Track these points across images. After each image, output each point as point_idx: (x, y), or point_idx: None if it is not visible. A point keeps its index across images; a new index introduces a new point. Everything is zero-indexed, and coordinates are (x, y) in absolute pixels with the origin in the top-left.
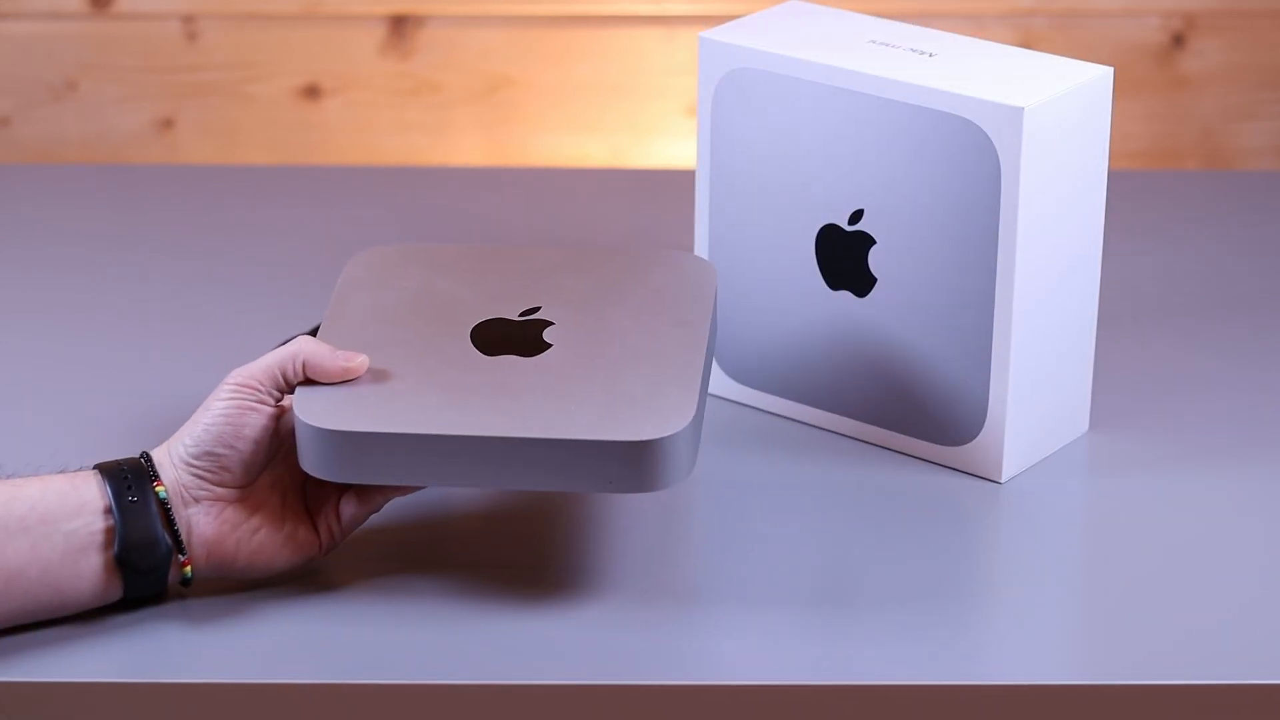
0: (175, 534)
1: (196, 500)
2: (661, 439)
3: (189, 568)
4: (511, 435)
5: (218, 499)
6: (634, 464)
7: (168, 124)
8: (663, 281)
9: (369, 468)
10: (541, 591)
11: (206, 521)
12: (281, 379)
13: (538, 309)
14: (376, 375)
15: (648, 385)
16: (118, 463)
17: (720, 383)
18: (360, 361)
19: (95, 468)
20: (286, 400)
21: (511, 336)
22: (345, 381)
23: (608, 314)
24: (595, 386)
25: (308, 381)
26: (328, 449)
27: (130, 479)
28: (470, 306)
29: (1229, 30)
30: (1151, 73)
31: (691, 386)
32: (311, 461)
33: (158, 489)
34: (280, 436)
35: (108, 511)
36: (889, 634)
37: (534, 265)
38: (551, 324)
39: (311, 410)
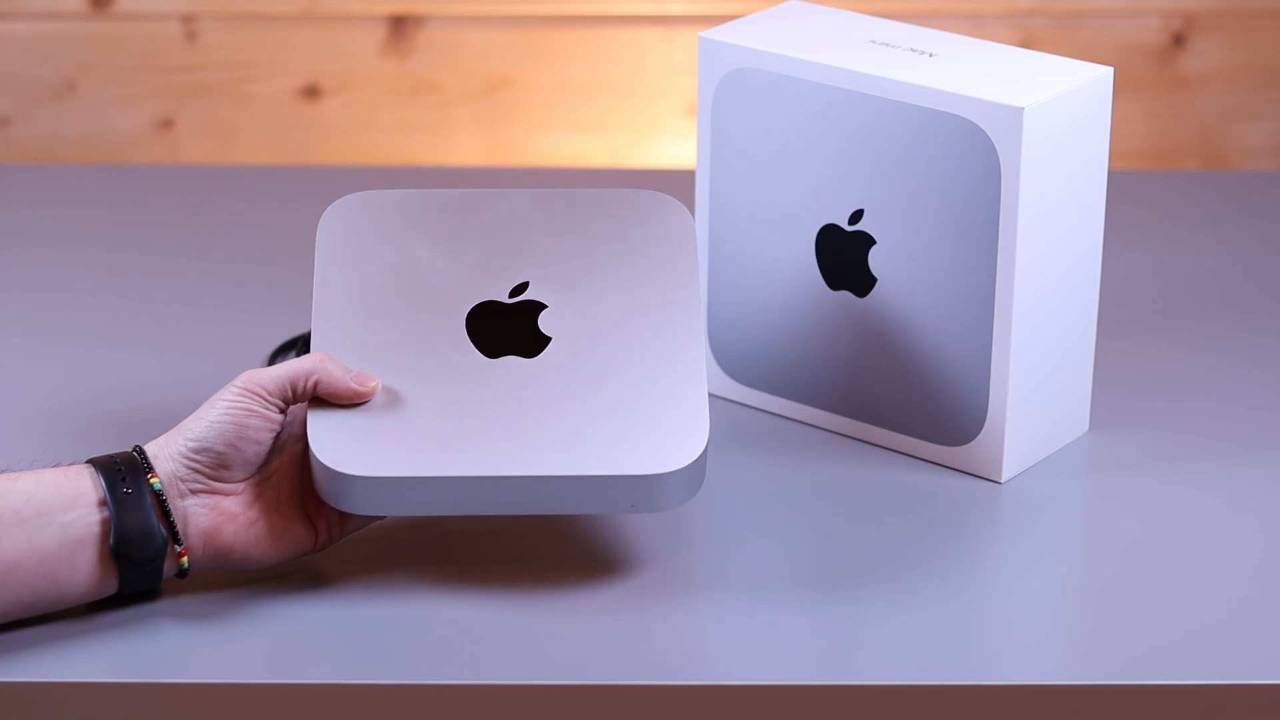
0: (171, 525)
1: (193, 493)
2: (682, 469)
3: (185, 558)
4: (531, 474)
5: (214, 492)
6: (656, 491)
7: (168, 124)
8: (643, 239)
9: (390, 504)
10: (541, 593)
11: (202, 513)
12: (290, 392)
13: (526, 285)
14: (385, 399)
15: (659, 401)
16: (110, 456)
17: (720, 383)
18: (373, 385)
19: (88, 462)
20: (292, 407)
21: (508, 328)
22: (358, 404)
23: (597, 291)
24: (606, 405)
25: (317, 399)
26: (347, 489)
27: (124, 471)
28: (457, 284)
29: (1229, 30)
30: (1151, 73)
31: (700, 400)
32: (330, 496)
33: (152, 480)
34: (280, 441)
35: (102, 504)
36: (888, 634)
37: (505, 219)
38: (544, 306)
39: (328, 448)
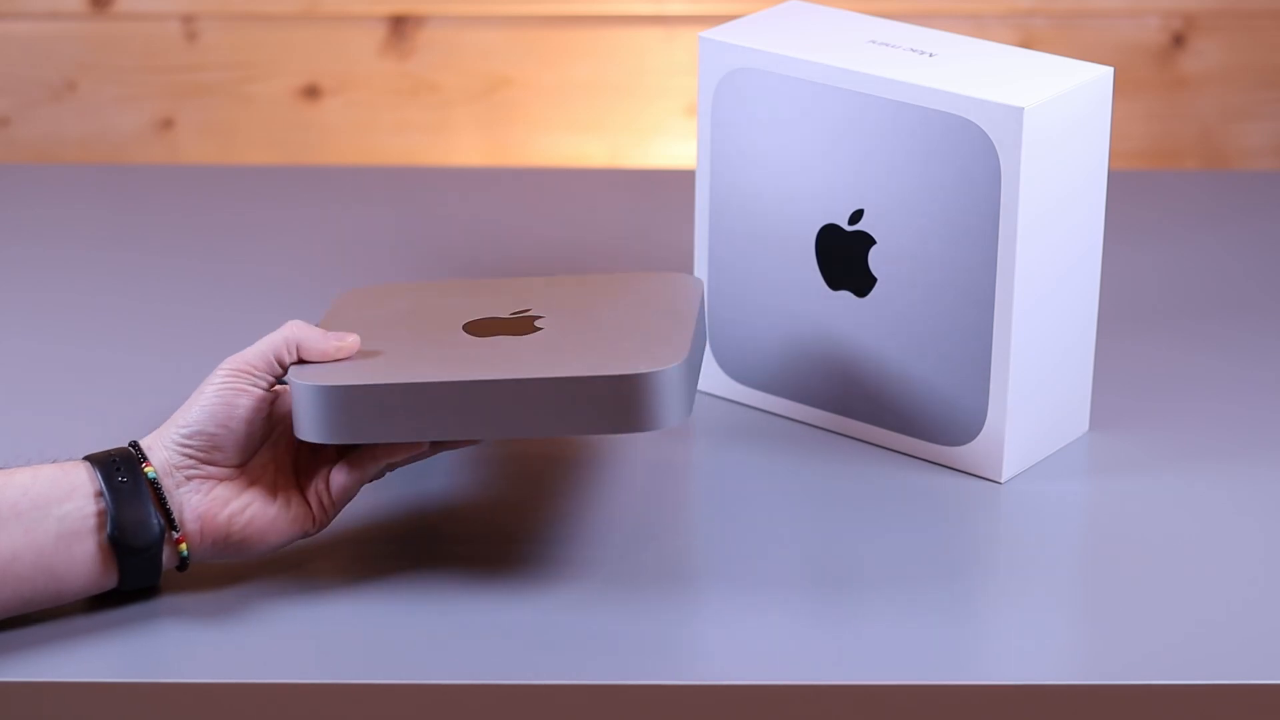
0: (167, 512)
1: (188, 480)
2: (657, 373)
3: (184, 545)
4: (504, 378)
5: (209, 477)
6: (630, 400)
7: (168, 124)
8: (650, 291)
9: (363, 425)
10: (541, 592)
11: (198, 500)
12: (275, 363)
13: (528, 310)
14: (370, 352)
15: (641, 332)
16: (106, 452)
17: (720, 383)
18: (351, 341)
19: (85, 458)
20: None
21: (503, 327)
22: (338, 360)
23: (597, 312)
24: (587, 338)
25: (301, 363)
26: (322, 408)
27: (119, 463)
28: (463, 311)
29: (1229, 30)
30: (1151, 73)
31: (684, 331)
32: (306, 426)
33: (147, 469)
34: (273, 420)
35: (99, 495)
36: (888, 634)
37: (523, 292)
38: (542, 317)
39: (305, 373)
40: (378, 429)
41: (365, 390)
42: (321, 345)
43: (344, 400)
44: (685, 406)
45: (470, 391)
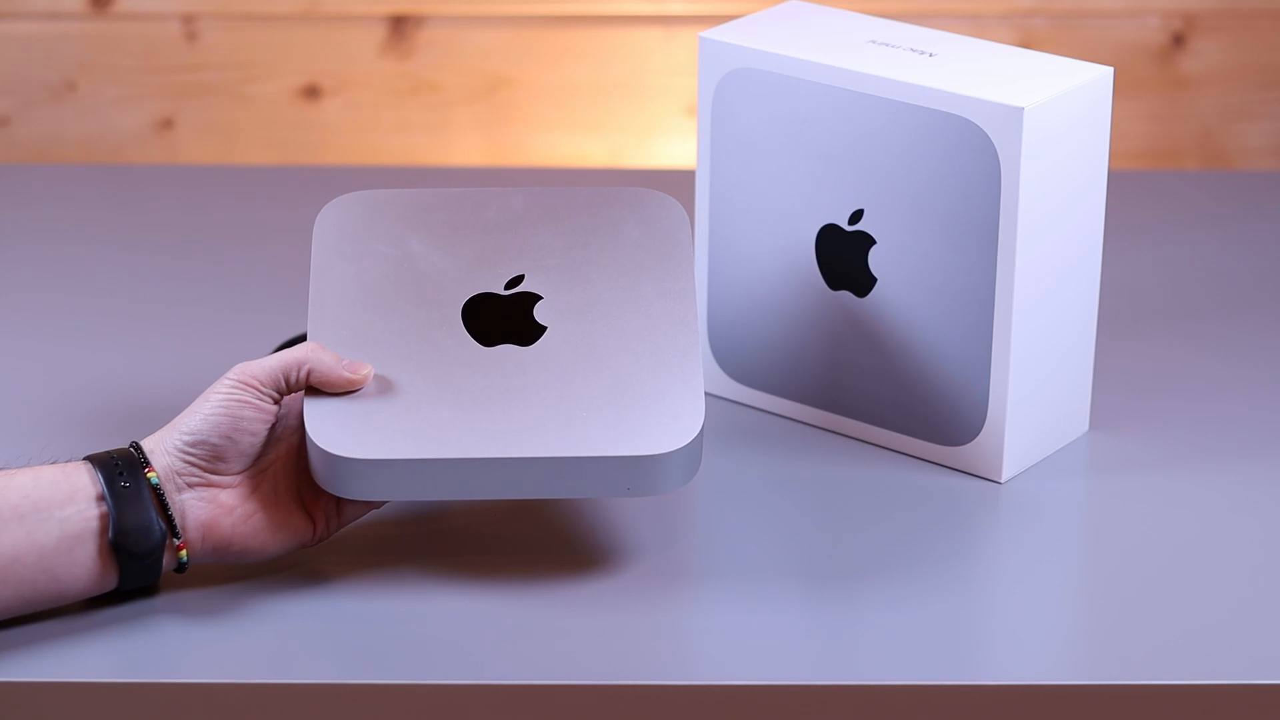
0: (169, 519)
1: (190, 486)
2: (678, 450)
3: (184, 551)
4: (528, 455)
5: (210, 485)
6: (653, 473)
7: (167, 124)
8: (638, 233)
9: (387, 488)
10: (542, 592)
11: (200, 506)
12: (284, 382)
13: (521, 278)
14: (381, 385)
15: (653, 384)
16: (108, 453)
17: (720, 383)
18: (365, 373)
19: (86, 458)
20: (287, 399)
21: (504, 318)
22: (351, 391)
23: (592, 282)
24: (601, 389)
25: (311, 389)
26: (344, 473)
27: (121, 466)
28: (453, 277)
29: (1229, 30)
30: (1151, 73)
31: (695, 383)
32: (327, 481)
33: (149, 475)
34: (276, 433)
35: (100, 499)
36: (888, 634)
37: (500, 215)
38: (540, 298)
39: (325, 432)
40: (399, 492)
41: (385, 464)
42: (335, 377)
43: (364, 471)
44: (699, 460)
45: (493, 466)
